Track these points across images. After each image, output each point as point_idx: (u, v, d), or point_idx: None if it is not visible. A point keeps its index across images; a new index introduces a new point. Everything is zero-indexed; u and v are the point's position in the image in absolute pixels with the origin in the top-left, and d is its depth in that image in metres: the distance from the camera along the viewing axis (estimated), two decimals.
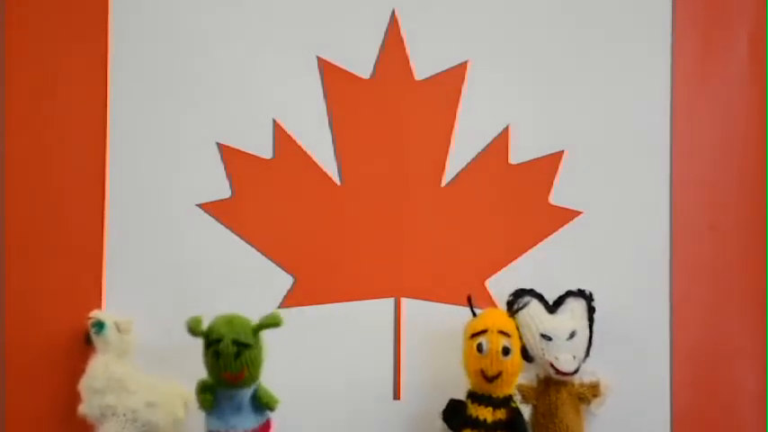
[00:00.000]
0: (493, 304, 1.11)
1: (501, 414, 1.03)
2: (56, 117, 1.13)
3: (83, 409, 1.05)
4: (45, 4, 1.13)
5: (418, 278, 1.13)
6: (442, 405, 1.06)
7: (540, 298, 1.07)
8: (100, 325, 1.06)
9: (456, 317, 1.06)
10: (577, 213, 1.14)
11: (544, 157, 1.14)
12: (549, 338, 1.05)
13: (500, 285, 1.12)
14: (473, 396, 1.04)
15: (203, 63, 1.14)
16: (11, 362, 1.11)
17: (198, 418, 1.04)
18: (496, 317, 1.05)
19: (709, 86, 1.16)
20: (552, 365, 1.05)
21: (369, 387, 1.12)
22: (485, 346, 1.03)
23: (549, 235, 1.14)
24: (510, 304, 1.07)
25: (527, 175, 1.14)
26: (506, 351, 1.02)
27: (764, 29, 1.15)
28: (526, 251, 1.14)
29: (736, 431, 1.13)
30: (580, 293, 1.08)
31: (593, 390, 1.07)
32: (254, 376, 0.99)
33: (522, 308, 1.05)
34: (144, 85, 1.14)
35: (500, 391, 1.03)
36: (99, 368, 1.05)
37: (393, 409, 1.12)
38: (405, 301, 1.13)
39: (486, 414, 1.03)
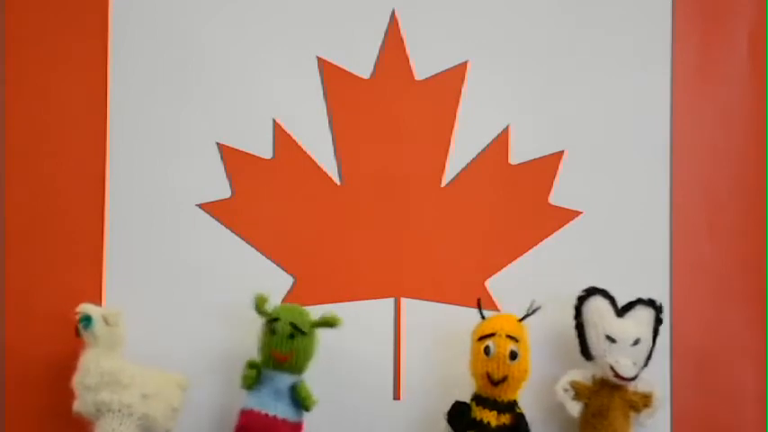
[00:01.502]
0: (493, 305, 1.11)
1: (505, 419, 1.03)
2: (56, 117, 1.13)
3: (77, 406, 1.04)
4: (45, 4, 1.13)
5: (418, 278, 1.13)
6: (443, 405, 1.06)
7: (612, 300, 1.07)
8: (87, 319, 1.04)
9: (456, 317, 1.06)
10: (577, 213, 1.14)
11: (544, 157, 1.14)
12: (614, 341, 1.05)
13: (500, 285, 1.12)
14: (478, 399, 1.04)
15: (203, 63, 1.14)
16: (11, 363, 1.11)
17: (196, 406, 1.07)
18: (505, 321, 1.05)
19: (709, 86, 1.16)
20: (612, 368, 1.05)
21: (369, 387, 1.12)
22: (492, 350, 1.03)
23: (549, 235, 1.14)
24: (580, 300, 1.07)
25: (527, 175, 1.14)
26: (513, 355, 1.02)
27: (764, 29, 1.15)
28: (526, 251, 1.14)
29: (736, 431, 1.13)
30: (650, 303, 1.07)
31: (646, 399, 1.07)
32: (299, 365, 1.04)
33: (533, 313, 1.05)
34: (144, 86, 1.14)
35: (505, 395, 1.03)
36: (90, 364, 1.04)
37: (393, 409, 1.12)
38: (405, 301, 1.13)
39: (490, 418, 1.03)
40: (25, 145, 1.12)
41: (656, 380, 1.10)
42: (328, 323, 1.04)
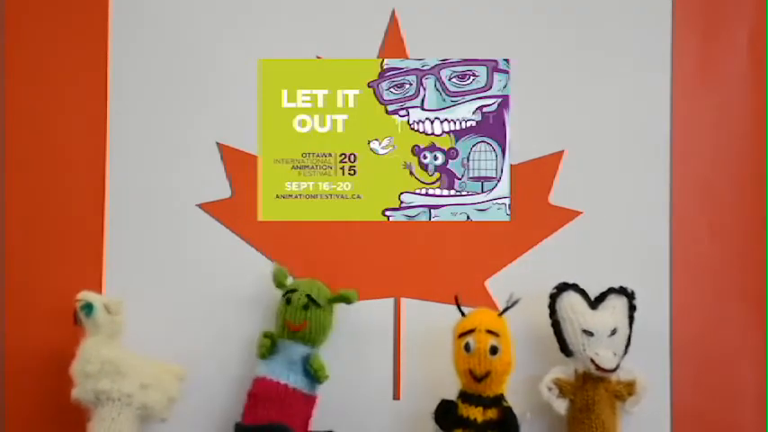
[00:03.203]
0: (493, 304, 1.11)
1: (492, 414, 1.03)
2: (56, 117, 1.13)
3: (76, 393, 1.04)
4: (45, 4, 1.13)
5: (418, 278, 1.13)
6: None
7: (583, 293, 1.07)
8: (89, 307, 1.04)
9: (456, 317, 1.06)
10: (577, 213, 1.14)
11: (544, 157, 1.14)
12: (591, 334, 1.05)
13: (500, 285, 1.12)
14: (464, 396, 1.04)
15: (203, 63, 1.14)
16: (11, 357, 1.11)
17: (193, 398, 1.07)
18: (484, 316, 1.04)
19: (709, 86, 1.16)
20: (593, 361, 1.05)
21: (369, 387, 1.12)
22: (472, 346, 1.03)
23: (549, 235, 1.14)
24: (552, 297, 1.07)
25: (527, 175, 1.14)
26: (494, 350, 1.02)
27: (764, 29, 1.15)
28: (526, 251, 1.14)
29: (736, 431, 1.13)
30: (622, 291, 1.08)
31: (630, 388, 1.07)
32: (312, 336, 1.05)
33: (512, 306, 1.04)
34: (144, 86, 1.14)
35: (490, 390, 1.03)
36: (90, 351, 1.04)
37: (393, 409, 1.12)
38: (405, 301, 1.13)
39: (476, 414, 1.03)
40: (25, 144, 1.13)
41: (657, 379, 1.11)
42: (344, 298, 1.06)
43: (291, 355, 1.05)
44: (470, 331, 1.03)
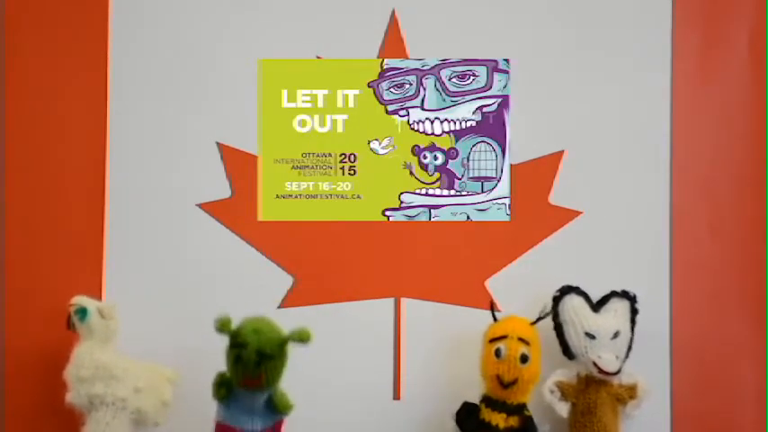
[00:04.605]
0: (492, 304, 1.11)
1: (513, 421, 1.03)
2: (56, 117, 1.13)
3: (70, 397, 1.04)
4: (45, 5, 1.13)
5: (418, 278, 1.13)
6: (443, 405, 1.06)
7: (586, 296, 1.07)
8: (83, 311, 1.05)
9: (456, 317, 1.07)
10: (577, 213, 1.14)
11: (544, 156, 1.14)
12: (593, 337, 1.05)
13: (500, 285, 1.12)
14: (487, 401, 1.04)
15: (203, 63, 1.14)
16: (10, 360, 1.11)
17: (192, 399, 1.06)
18: (517, 324, 1.05)
19: (709, 86, 1.16)
20: (595, 364, 1.05)
21: (369, 387, 1.12)
22: (503, 352, 1.03)
23: (549, 235, 1.14)
24: (555, 300, 1.07)
25: (527, 175, 1.14)
26: (524, 358, 1.02)
27: (764, 29, 1.15)
28: (526, 251, 1.14)
29: (736, 431, 1.13)
30: (624, 294, 1.08)
31: (631, 391, 1.07)
32: (271, 383, 0.98)
33: (545, 317, 1.05)
34: (144, 86, 1.14)
35: (515, 397, 1.03)
36: (85, 356, 1.04)
37: (393, 409, 1.12)
38: (405, 301, 1.13)
39: (498, 420, 1.03)
40: (25, 144, 1.13)
41: (656, 380, 1.11)
42: (298, 340, 0.95)
43: (251, 402, 0.98)
44: (502, 337, 1.03)
